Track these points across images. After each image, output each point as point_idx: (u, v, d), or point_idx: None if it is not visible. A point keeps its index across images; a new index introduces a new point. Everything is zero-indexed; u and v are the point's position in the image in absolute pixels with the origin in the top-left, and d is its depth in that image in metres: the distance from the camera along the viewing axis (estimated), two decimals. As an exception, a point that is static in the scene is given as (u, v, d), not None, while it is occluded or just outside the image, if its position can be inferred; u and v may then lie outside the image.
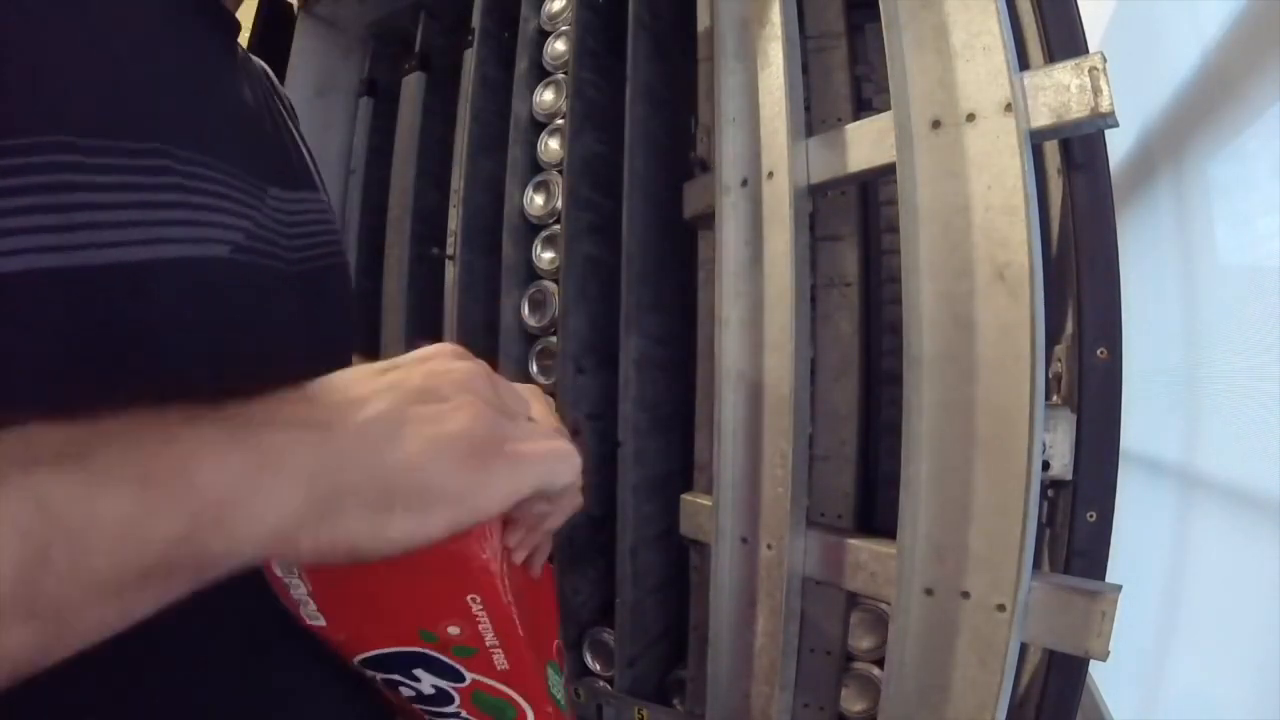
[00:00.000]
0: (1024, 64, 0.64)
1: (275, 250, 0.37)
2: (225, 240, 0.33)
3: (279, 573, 0.32)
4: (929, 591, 0.60)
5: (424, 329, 1.15)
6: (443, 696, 0.35)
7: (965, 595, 0.58)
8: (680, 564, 0.93)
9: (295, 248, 0.40)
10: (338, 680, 0.37)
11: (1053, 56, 0.64)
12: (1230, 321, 1.04)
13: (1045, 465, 0.62)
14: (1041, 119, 0.57)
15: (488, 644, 0.33)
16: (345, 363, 0.43)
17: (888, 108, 0.64)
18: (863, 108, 0.83)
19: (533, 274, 1.02)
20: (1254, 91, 0.90)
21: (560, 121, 1.00)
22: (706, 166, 0.87)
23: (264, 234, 0.37)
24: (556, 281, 0.97)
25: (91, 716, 0.29)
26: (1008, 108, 0.57)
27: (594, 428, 0.97)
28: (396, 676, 0.35)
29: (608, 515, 0.91)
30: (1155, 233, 1.16)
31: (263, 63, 0.48)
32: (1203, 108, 1.01)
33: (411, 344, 1.16)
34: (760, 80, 0.72)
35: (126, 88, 0.31)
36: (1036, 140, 0.59)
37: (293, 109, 0.50)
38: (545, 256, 1.00)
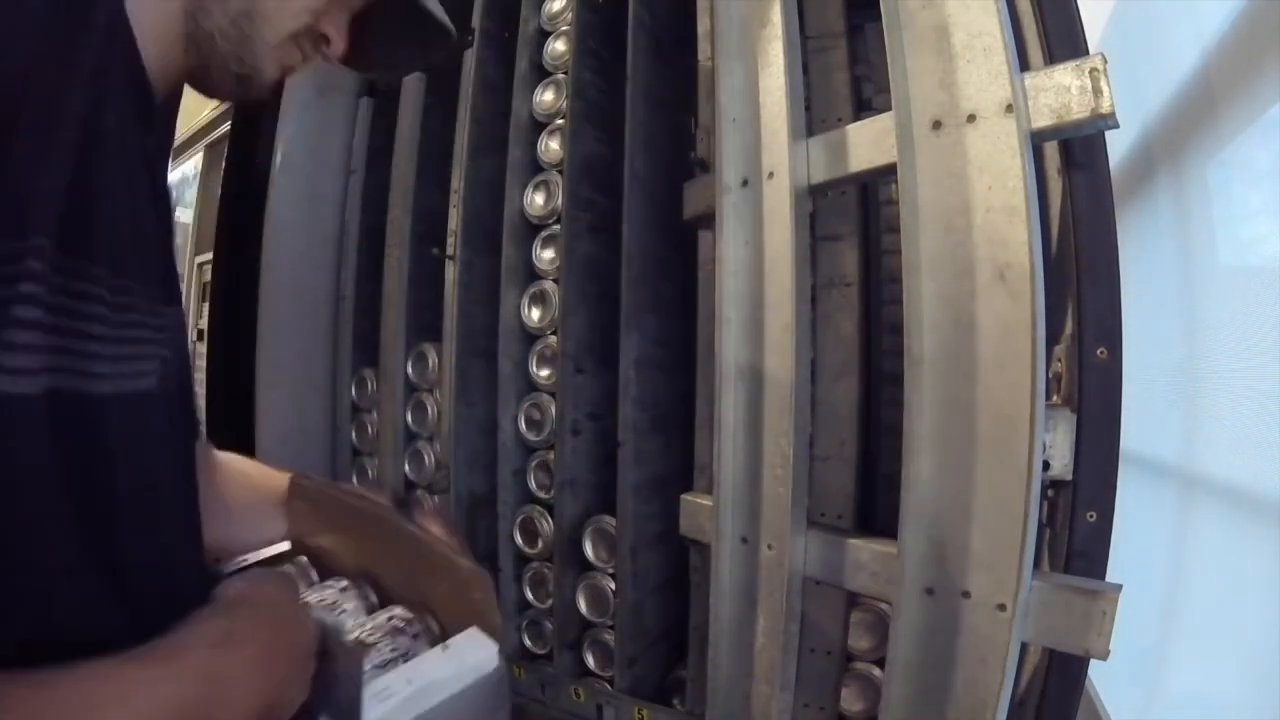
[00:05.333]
0: (1024, 65, 0.64)
1: (165, 370, 0.38)
2: (152, 371, 0.36)
3: None
4: (929, 591, 0.60)
5: (424, 329, 1.15)
6: None
7: (966, 595, 0.58)
8: (680, 564, 0.93)
9: (170, 364, 0.40)
10: None
11: (1053, 57, 0.64)
12: (1229, 322, 1.04)
13: (1045, 465, 0.62)
14: (1042, 120, 0.57)
15: None
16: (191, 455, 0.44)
17: (888, 108, 0.64)
18: (863, 108, 0.83)
19: (533, 274, 1.02)
20: (1254, 92, 0.90)
21: (560, 121, 1.00)
22: (706, 166, 0.87)
23: (164, 359, 0.38)
24: (556, 281, 0.97)
25: None
26: (1008, 108, 0.57)
27: (594, 428, 0.97)
28: None
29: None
30: (1155, 233, 1.16)
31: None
32: (1202, 108, 1.01)
33: (411, 344, 1.14)
34: (760, 80, 0.72)
35: (126, 224, 0.34)
36: (1037, 141, 0.59)
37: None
38: (545, 256, 1.00)
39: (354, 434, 1.28)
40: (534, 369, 1.00)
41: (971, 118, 0.59)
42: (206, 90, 0.42)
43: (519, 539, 1.01)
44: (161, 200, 0.40)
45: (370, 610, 0.56)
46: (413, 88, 1.18)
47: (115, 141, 0.33)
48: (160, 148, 0.41)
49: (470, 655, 0.50)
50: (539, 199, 1.00)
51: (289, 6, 0.41)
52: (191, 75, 0.41)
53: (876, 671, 0.75)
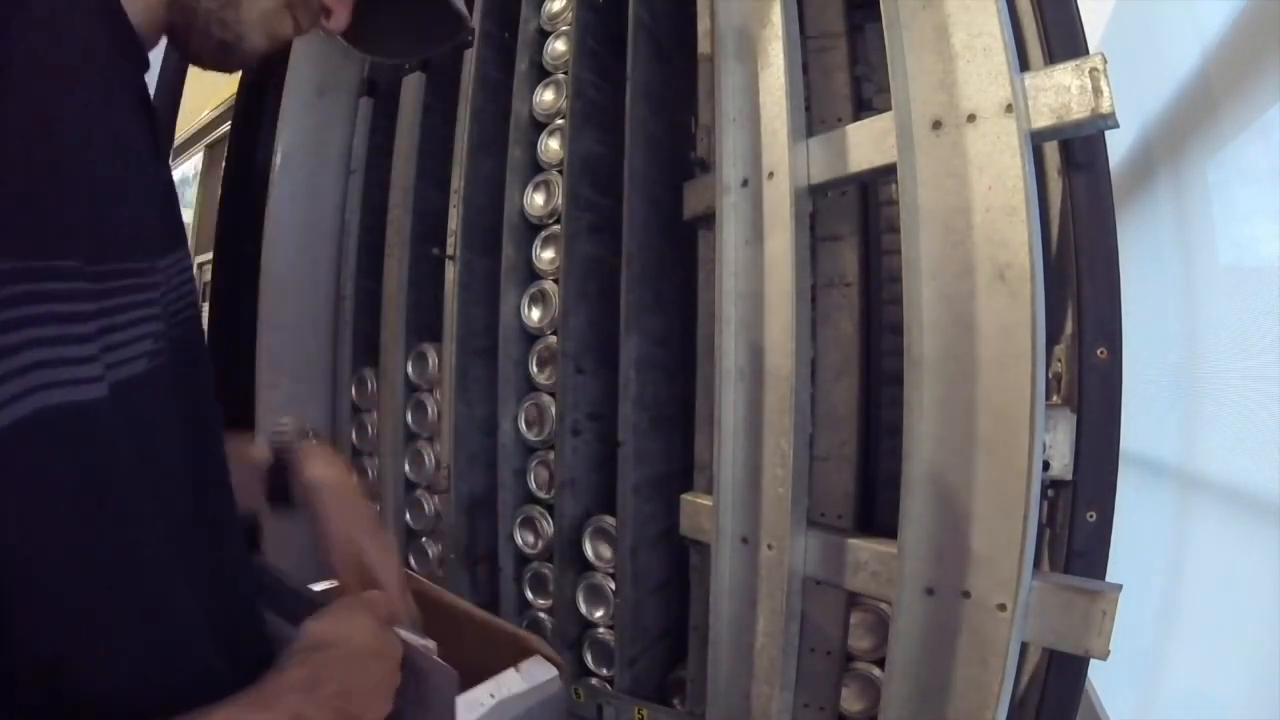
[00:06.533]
0: (1024, 65, 0.64)
1: (164, 330, 0.35)
2: (148, 351, 0.33)
3: None
4: (929, 591, 0.60)
5: (424, 329, 1.15)
6: None
7: (966, 595, 0.58)
8: (680, 564, 0.93)
9: (173, 313, 0.37)
10: None
11: (1053, 57, 0.64)
12: (1230, 321, 1.04)
13: (1045, 465, 0.62)
14: (1042, 120, 0.57)
15: None
16: (210, 402, 0.42)
17: (888, 108, 0.64)
18: (863, 108, 0.83)
19: (533, 274, 1.02)
20: (1254, 92, 0.90)
21: (560, 121, 1.00)
22: (706, 166, 0.87)
23: (163, 323, 0.34)
24: (556, 281, 0.97)
25: None
26: (1008, 108, 0.57)
27: (594, 428, 0.97)
28: None
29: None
30: (1155, 233, 1.16)
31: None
32: (1202, 108, 1.01)
33: (411, 344, 1.14)
34: (760, 80, 0.72)
35: (112, 200, 0.30)
36: (1037, 141, 0.59)
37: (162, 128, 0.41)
38: (545, 256, 1.00)
39: (354, 434, 1.28)
40: (534, 369, 1.00)
41: (971, 118, 0.59)
42: (187, 54, 0.38)
43: (519, 539, 1.01)
44: (159, 147, 0.36)
45: None
46: (413, 87, 1.18)
47: (93, 95, 0.29)
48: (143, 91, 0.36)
49: (538, 675, 0.65)
50: (539, 199, 1.00)
51: None
52: (173, 35, 0.37)
53: (876, 671, 0.75)
